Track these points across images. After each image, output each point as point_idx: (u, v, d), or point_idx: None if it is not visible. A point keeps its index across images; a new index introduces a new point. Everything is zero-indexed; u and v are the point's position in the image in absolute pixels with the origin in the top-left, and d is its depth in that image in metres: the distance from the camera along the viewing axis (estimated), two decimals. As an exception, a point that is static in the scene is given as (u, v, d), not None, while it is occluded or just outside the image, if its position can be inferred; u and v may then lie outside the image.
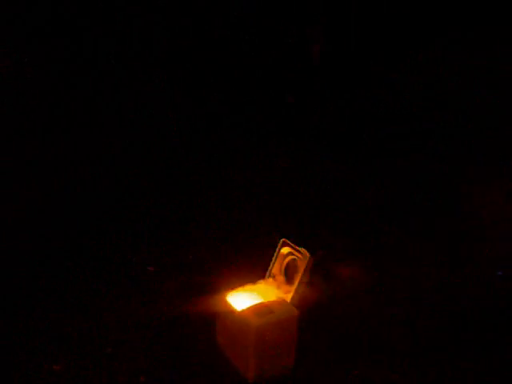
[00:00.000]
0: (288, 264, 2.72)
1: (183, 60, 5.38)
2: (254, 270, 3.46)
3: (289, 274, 2.72)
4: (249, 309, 2.55)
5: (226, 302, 2.66)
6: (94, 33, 4.92)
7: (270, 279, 2.77)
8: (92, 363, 2.65)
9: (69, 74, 4.98)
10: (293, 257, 2.69)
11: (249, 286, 2.76)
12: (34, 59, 5.25)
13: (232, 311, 2.60)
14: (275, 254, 2.75)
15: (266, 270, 3.30)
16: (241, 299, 2.64)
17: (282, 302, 2.62)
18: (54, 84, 5.37)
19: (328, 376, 2.61)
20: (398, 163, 5.45)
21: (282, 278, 2.74)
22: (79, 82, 5.42)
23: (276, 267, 2.76)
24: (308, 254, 2.61)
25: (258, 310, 2.54)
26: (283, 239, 2.75)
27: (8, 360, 2.65)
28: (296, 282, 2.62)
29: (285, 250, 2.74)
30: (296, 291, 2.62)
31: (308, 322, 2.89)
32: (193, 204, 4.64)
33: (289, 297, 2.64)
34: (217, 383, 2.57)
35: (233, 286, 2.76)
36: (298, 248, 2.67)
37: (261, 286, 2.77)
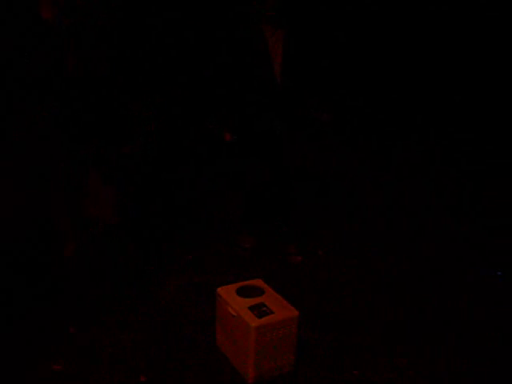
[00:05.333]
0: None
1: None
2: (253, 269, 3.47)
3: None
4: (249, 309, 2.55)
5: (225, 301, 2.66)
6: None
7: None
8: (92, 363, 2.65)
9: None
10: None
11: (248, 286, 2.76)
12: None
13: (232, 311, 2.60)
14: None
15: (266, 269, 3.29)
16: (240, 299, 2.64)
17: (282, 302, 2.62)
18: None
19: (328, 376, 2.61)
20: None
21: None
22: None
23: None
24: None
25: (257, 310, 2.54)
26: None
27: (8, 360, 2.65)
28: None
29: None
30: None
31: (308, 321, 2.90)
32: (192, 203, 4.64)
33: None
34: (217, 383, 2.57)
35: (232, 286, 2.76)
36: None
37: (260, 286, 2.77)
